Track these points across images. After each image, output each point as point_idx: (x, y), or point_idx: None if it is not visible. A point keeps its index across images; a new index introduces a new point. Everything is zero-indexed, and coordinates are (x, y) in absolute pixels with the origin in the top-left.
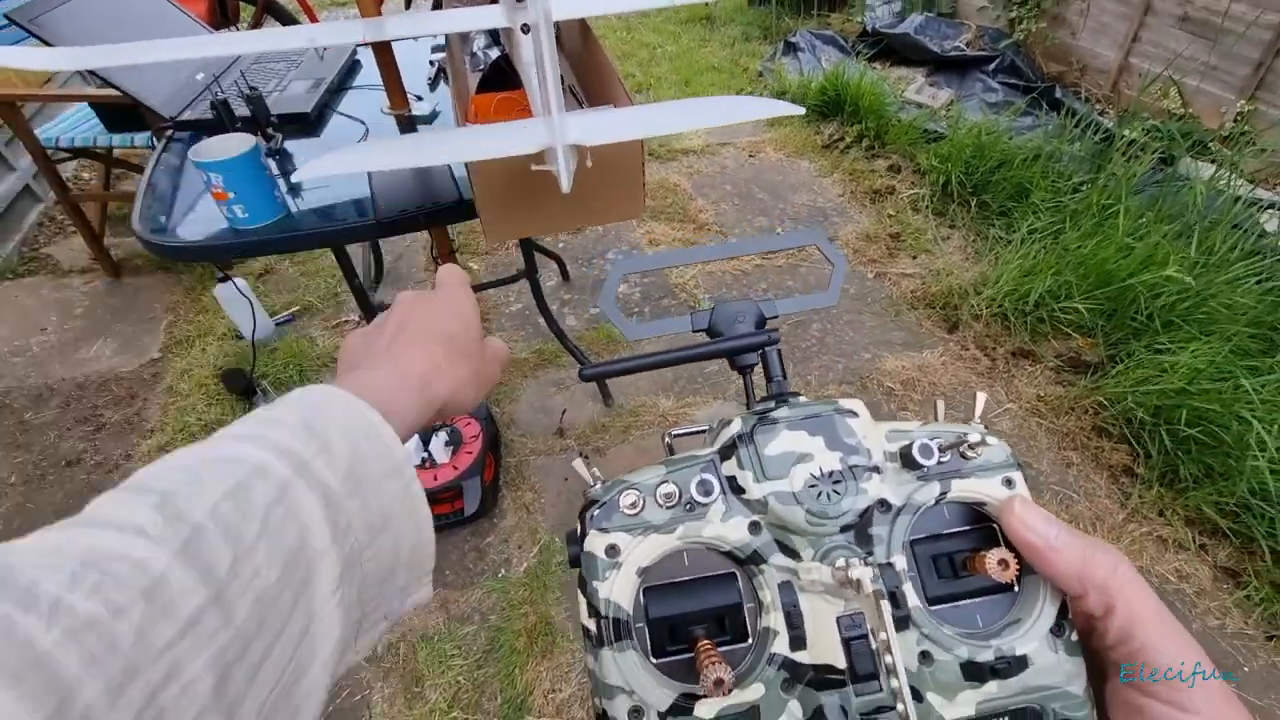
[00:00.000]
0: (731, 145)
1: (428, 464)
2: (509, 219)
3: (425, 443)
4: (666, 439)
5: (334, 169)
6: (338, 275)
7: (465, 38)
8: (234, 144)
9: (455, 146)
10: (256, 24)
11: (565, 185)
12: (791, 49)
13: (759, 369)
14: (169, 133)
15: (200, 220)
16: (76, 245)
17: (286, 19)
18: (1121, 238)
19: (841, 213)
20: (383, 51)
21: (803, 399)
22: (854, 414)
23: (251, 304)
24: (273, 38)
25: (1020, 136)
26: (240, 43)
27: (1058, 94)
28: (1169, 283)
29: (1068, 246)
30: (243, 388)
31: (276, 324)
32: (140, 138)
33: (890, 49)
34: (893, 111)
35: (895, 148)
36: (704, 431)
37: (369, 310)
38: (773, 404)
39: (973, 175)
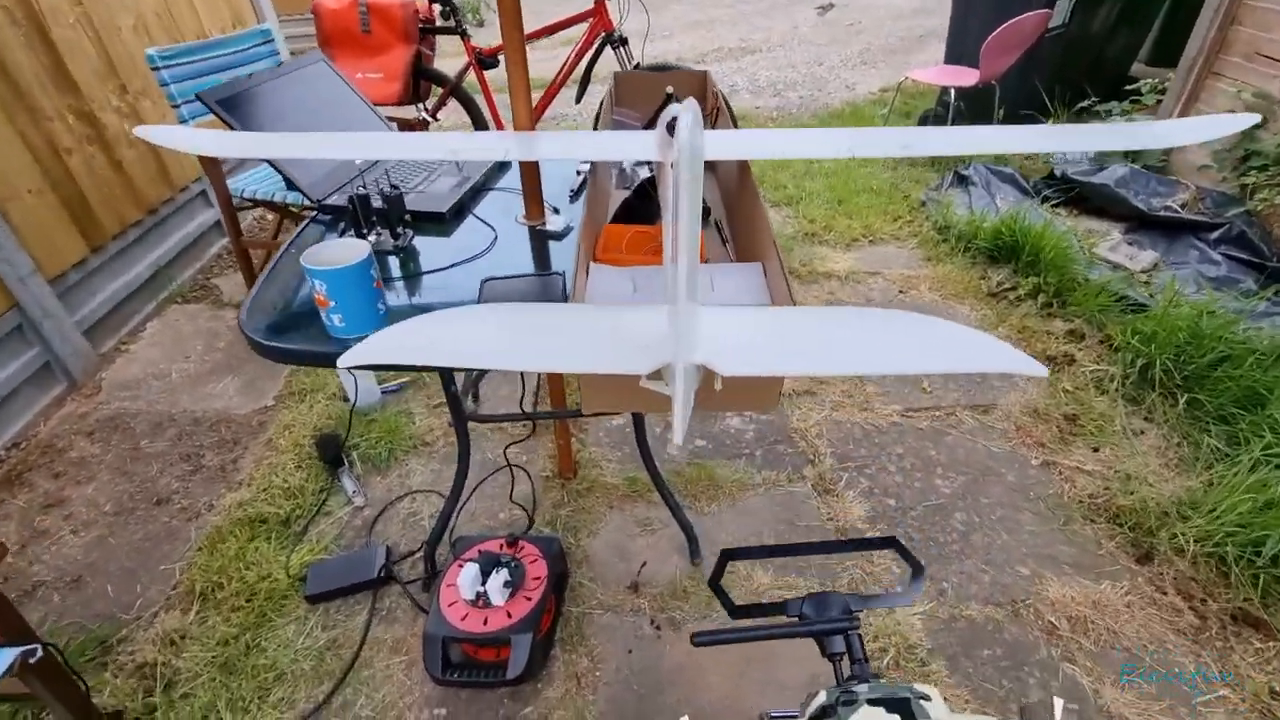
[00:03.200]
0: (881, 275)
1: (481, 602)
2: (613, 390)
3: (484, 577)
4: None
5: (379, 359)
6: None
7: None
8: (346, 252)
9: (555, 342)
10: (441, 104)
11: (679, 438)
12: (962, 181)
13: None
14: (313, 214)
15: (307, 321)
16: (240, 280)
17: (469, 102)
18: None
19: (1004, 376)
20: (529, 163)
21: (883, 680)
22: (927, 698)
23: (354, 376)
24: (413, 146)
25: (1255, 326)
26: (377, 147)
27: None
28: None
29: None
30: (332, 456)
31: (383, 392)
32: None
33: (1082, 197)
34: (1080, 269)
35: (1080, 310)
36: (797, 716)
37: (460, 416)
38: (855, 682)
39: (1184, 364)
